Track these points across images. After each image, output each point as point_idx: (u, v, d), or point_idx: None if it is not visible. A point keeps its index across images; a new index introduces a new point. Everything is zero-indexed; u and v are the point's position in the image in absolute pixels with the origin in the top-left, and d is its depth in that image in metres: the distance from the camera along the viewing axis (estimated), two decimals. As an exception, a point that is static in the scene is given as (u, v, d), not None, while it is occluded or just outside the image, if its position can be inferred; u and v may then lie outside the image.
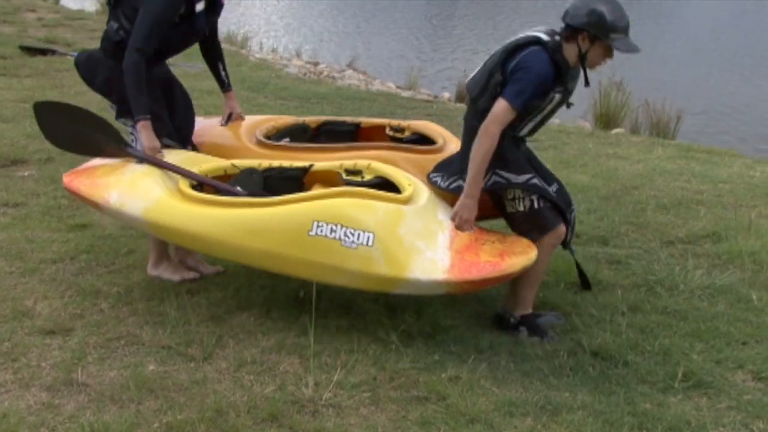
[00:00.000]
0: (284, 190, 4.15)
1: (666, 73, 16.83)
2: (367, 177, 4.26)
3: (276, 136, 4.88)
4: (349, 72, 15.08)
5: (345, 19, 26.10)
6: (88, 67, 4.42)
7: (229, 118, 4.90)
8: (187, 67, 9.04)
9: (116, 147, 4.31)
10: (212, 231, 3.94)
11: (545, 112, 3.98)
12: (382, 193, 3.97)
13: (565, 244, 4.19)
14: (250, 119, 5.00)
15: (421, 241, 3.81)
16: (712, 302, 4.56)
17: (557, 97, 3.94)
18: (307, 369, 3.68)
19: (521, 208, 4.00)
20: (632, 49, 3.83)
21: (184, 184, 4.14)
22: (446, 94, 13.11)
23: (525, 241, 3.96)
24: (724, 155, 8.55)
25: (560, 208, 4.06)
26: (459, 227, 3.93)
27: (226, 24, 17.24)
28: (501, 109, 3.84)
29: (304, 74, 13.90)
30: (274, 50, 17.37)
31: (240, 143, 4.70)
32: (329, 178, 4.32)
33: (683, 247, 5.40)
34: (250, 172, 4.31)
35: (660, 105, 10.78)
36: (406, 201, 3.94)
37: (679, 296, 4.61)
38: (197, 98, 6.85)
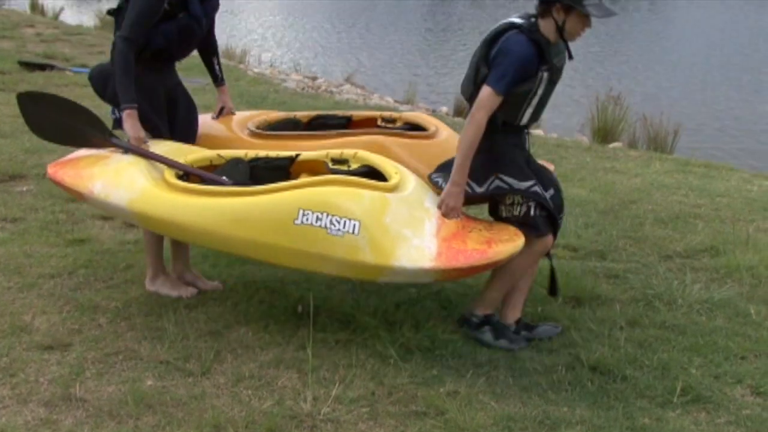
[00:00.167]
0: (270, 179, 4.13)
1: (663, 88, 16.88)
2: (354, 166, 4.24)
3: (267, 129, 4.89)
4: (347, 86, 15.11)
5: (343, 33, 26.17)
6: (99, 79, 4.42)
7: (221, 112, 4.91)
8: (189, 82, 9.06)
9: (101, 137, 4.31)
10: (197, 220, 3.93)
11: (539, 93, 3.92)
12: (367, 181, 3.95)
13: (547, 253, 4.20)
14: (241, 114, 5.02)
15: (408, 229, 3.79)
16: (711, 316, 4.56)
17: (545, 75, 3.89)
18: (306, 384, 3.67)
19: (516, 213, 3.99)
20: (608, 13, 3.81)
21: (169, 174, 4.13)
22: (444, 108, 13.15)
23: (512, 229, 3.94)
24: (722, 169, 8.56)
25: (553, 217, 4.06)
26: (446, 215, 3.91)
27: (224, 38, 17.29)
28: (485, 95, 3.83)
29: (303, 89, 13.92)
30: (272, 65, 17.41)
31: (232, 134, 4.71)
32: (316, 168, 4.30)
33: (681, 262, 5.40)
34: (236, 162, 4.30)
35: (657, 119, 10.81)
36: (393, 189, 3.92)
37: (678, 310, 4.61)
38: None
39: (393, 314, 4.29)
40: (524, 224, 3.98)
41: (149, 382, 3.66)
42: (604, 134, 10.90)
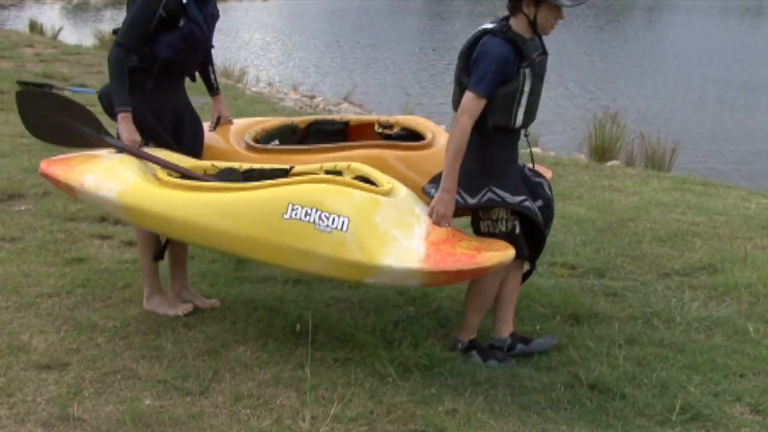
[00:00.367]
0: None
1: (660, 106, 16.94)
2: (347, 177, 4.23)
3: (265, 138, 4.89)
4: (345, 105, 15.17)
5: (341, 52, 26.27)
6: (108, 98, 4.42)
7: (218, 122, 4.91)
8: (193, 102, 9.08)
9: (97, 136, 4.33)
10: (186, 214, 3.91)
11: (526, 91, 3.90)
12: (360, 183, 3.94)
13: (532, 260, 4.20)
14: (238, 122, 5.01)
15: (397, 230, 3.76)
16: (709, 334, 4.56)
17: (527, 72, 3.87)
18: (304, 403, 3.66)
19: (504, 229, 3.97)
20: (576, 1, 3.82)
21: (162, 173, 4.14)
22: (442, 126, 13.15)
23: (502, 243, 3.90)
24: (720, 187, 8.59)
25: (540, 229, 4.05)
26: (437, 223, 3.88)
27: (222, 57, 17.37)
28: (467, 99, 3.82)
29: (301, 107, 13.98)
30: (270, 84, 17.48)
31: (229, 147, 4.71)
32: None
33: (679, 279, 5.40)
34: (230, 171, 4.31)
35: (655, 137, 10.84)
36: (384, 193, 3.90)
37: (676, 328, 4.61)
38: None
39: (391, 333, 4.28)
40: (507, 241, 3.97)
41: (147, 402, 3.65)
42: (601, 152, 10.94)
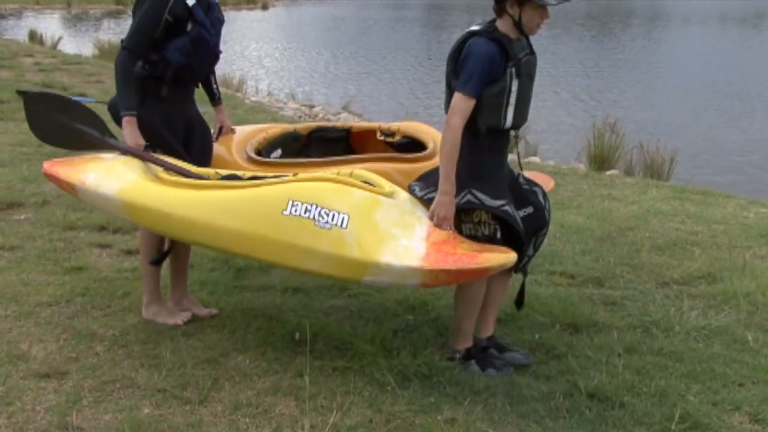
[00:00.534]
0: None
1: (659, 115, 16.97)
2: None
3: (267, 147, 4.90)
4: (345, 114, 15.19)
5: (339, 61, 26.33)
6: (117, 107, 4.43)
7: (220, 132, 4.91)
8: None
9: (101, 138, 4.34)
10: (185, 211, 3.91)
11: (514, 90, 3.89)
12: (360, 182, 3.92)
13: (522, 267, 4.18)
14: (240, 131, 5.01)
15: (397, 229, 3.72)
16: (708, 343, 4.56)
17: (513, 71, 3.88)
18: (303, 411, 3.66)
19: (486, 232, 3.95)
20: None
21: (163, 173, 4.15)
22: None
23: (503, 248, 3.86)
24: (718, 196, 8.60)
25: (521, 239, 4.00)
26: (438, 225, 3.84)
27: (221, 66, 17.37)
28: (456, 99, 3.83)
29: (300, 117, 14.01)
30: (269, 93, 17.51)
31: (231, 158, 4.72)
32: None
33: (678, 288, 5.41)
34: (233, 177, 4.33)
35: (654, 146, 10.86)
36: (385, 194, 3.88)
37: (675, 337, 4.61)
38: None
39: (390, 341, 4.28)
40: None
41: (146, 411, 3.65)
42: (600, 161, 10.96)
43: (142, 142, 4.26)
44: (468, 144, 3.86)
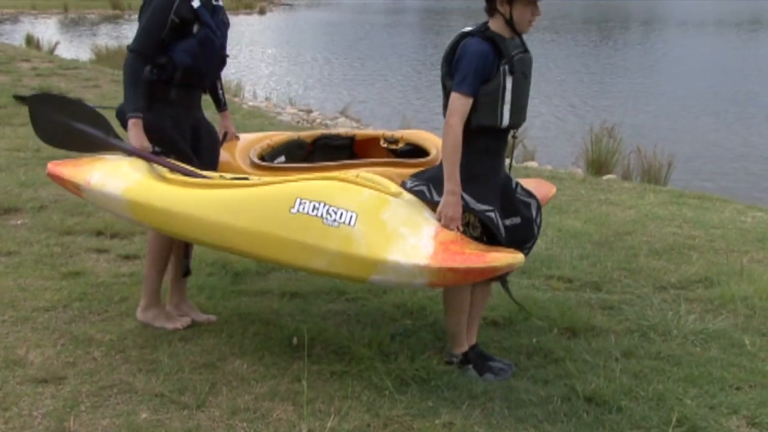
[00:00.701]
0: None
1: (656, 120, 16.99)
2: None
3: (271, 154, 4.91)
4: (342, 119, 15.20)
5: (337, 67, 26.35)
6: (125, 114, 4.43)
7: (224, 138, 4.91)
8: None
9: (106, 140, 4.34)
10: (191, 209, 3.90)
11: (509, 88, 3.89)
12: (368, 182, 3.90)
13: (502, 278, 4.16)
14: (245, 138, 5.02)
15: (405, 228, 3.70)
16: (705, 347, 4.56)
17: (506, 68, 3.87)
18: (301, 416, 3.66)
19: (474, 234, 3.93)
20: None
21: (169, 173, 4.14)
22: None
23: (510, 249, 3.83)
24: (716, 201, 8.61)
25: (501, 245, 3.94)
26: (445, 226, 3.81)
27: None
28: (454, 100, 3.83)
29: (297, 122, 14.01)
30: (267, 98, 17.52)
31: (235, 164, 4.73)
32: None
33: (676, 293, 5.41)
34: (239, 179, 4.32)
35: (651, 151, 10.88)
36: (393, 194, 3.86)
37: (673, 341, 4.62)
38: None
39: (388, 346, 4.28)
40: None
41: (144, 415, 3.65)
42: (598, 166, 10.97)
43: (147, 144, 4.25)
44: (463, 144, 3.86)
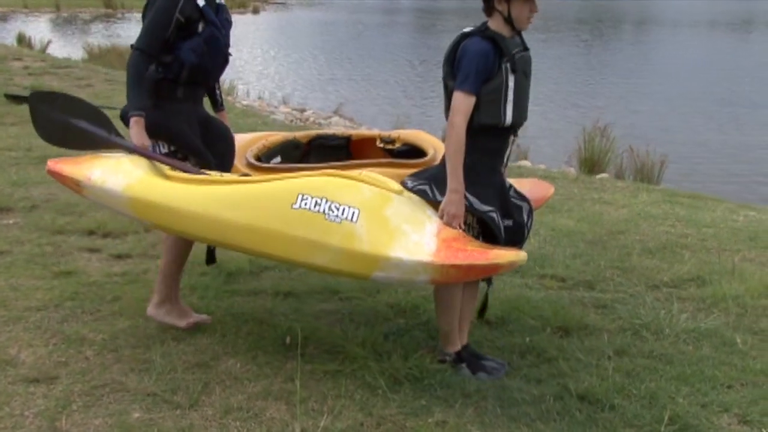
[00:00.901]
0: None
1: (649, 120, 17.02)
2: None
3: (267, 154, 4.90)
4: (336, 118, 15.20)
5: (330, 66, 26.33)
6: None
7: None
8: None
9: (107, 137, 4.33)
10: (193, 206, 3.89)
11: (511, 86, 3.90)
12: (370, 179, 3.89)
13: (489, 278, 4.17)
14: (240, 138, 5.01)
15: (408, 225, 3.70)
16: (698, 346, 4.57)
17: (508, 66, 3.89)
18: (294, 415, 3.66)
19: (472, 234, 3.94)
20: None
21: (170, 171, 4.14)
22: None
23: (512, 247, 3.85)
24: (708, 200, 8.64)
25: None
26: (448, 223, 3.81)
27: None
28: (457, 99, 3.84)
29: (291, 121, 14.00)
30: (260, 97, 17.50)
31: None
32: None
33: (668, 291, 5.42)
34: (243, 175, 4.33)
35: (644, 150, 10.90)
36: (395, 192, 3.86)
37: (665, 340, 4.63)
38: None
39: (381, 345, 4.28)
40: None
41: (136, 415, 3.64)
42: (591, 165, 10.99)
43: (148, 142, 4.24)
44: (465, 144, 3.86)
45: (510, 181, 4.24)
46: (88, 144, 4.43)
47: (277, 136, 5.15)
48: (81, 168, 4.22)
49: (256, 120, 11.88)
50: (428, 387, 3.96)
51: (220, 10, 4.45)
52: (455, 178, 3.83)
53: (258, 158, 4.82)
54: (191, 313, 4.61)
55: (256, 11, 51.51)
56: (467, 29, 4.00)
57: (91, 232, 6.07)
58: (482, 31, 3.93)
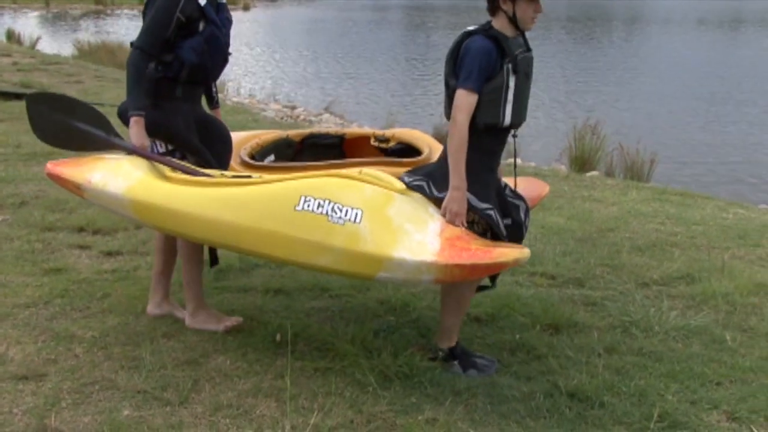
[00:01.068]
0: None
1: (639, 118, 17.06)
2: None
3: (260, 153, 4.89)
4: (326, 115, 15.19)
5: (321, 63, 26.32)
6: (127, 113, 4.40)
7: None
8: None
9: (106, 138, 4.32)
10: (194, 208, 3.88)
11: (512, 86, 3.90)
12: (371, 179, 3.88)
13: (493, 277, 4.20)
14: (234, 136, 5.00)
15: (411, 224, 3.69)
16: (687, 343, 4.59)
17: (510, 67, 3.89)
18: (284, 412, 3.66)
19: (478, 231, 3.94)
20: None
21: (171, 172, 4.12)
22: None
23: (516, 245, 3.84)
24: (698, 198, 8.66)
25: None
26: (450, 221, 3.80)
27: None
28: (459, 97, 3.83)
29: (282, 118, 13.99)
30: (251, 94, 17.48)
31: None
32: None
33: (658, 289, 5.44)
34: (242, 177, 4.31)
35: (634, 149, 10.93)
36: (397, 190, 3.85)
37: (655, 337, 4.64)
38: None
39: (372, 342, 4.28)
40: None
41: (126, 412, 3.63)
42: (581, 163, 11.02)
43: (147, 142, 4.23)
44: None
45: (505, 180, 4.25)
46: (88, 145, 4.41)
47: (270, 135, 5.14)
48: (81, 171, 4.20)
49: (247, 117, 11.87)
50: (418, 384, 3.96)
51: (220, 8, 4.44)
52: (457, 176, 3.83)
53: (252, 157, 4.81)
54: (176, 310, 4.61)
55: (246, 8, 51.47)
56: (470, 27, 4.00)
57: (81, 229, 6.05)
58: (485, 30, 3.92)
